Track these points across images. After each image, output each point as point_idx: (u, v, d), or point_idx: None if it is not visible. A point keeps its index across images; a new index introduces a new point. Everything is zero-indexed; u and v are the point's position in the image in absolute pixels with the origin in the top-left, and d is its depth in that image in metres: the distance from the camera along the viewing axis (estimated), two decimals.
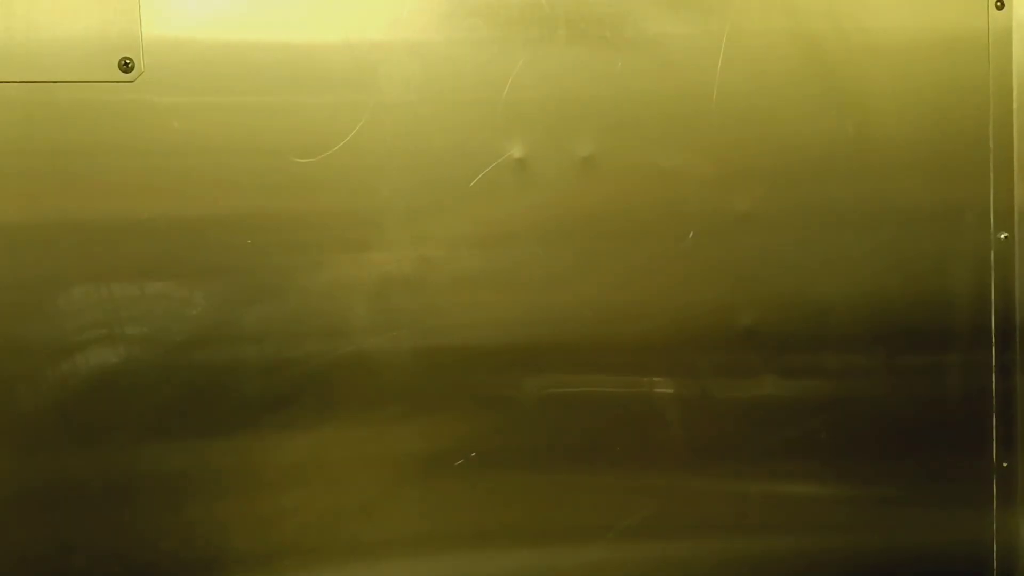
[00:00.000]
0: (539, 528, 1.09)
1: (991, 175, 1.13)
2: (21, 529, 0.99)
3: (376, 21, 1.00)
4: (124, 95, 0.95)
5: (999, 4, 1.12)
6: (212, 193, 0.98)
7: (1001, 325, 1.14)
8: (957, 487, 1.17)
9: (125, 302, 0.97)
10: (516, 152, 1.03)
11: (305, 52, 0.99)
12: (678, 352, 1.09)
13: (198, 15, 0.97)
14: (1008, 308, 1.15)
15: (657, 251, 1.07)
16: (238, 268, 0.99)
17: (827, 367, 1.13)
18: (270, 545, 1.04)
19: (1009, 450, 1.16)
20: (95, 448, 0.99)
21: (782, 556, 1.14)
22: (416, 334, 1.03)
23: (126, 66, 0.95)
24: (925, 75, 1.12)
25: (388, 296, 1.02)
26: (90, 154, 0.96)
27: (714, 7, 1.07)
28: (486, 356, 1.05)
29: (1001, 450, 1.16)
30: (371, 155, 1.00)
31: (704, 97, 1.07)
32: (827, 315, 1.12)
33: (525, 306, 1.05)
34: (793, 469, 1.13)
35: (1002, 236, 1.13)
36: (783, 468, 1.13)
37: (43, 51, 0.94)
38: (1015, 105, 1.13)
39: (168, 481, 1.01)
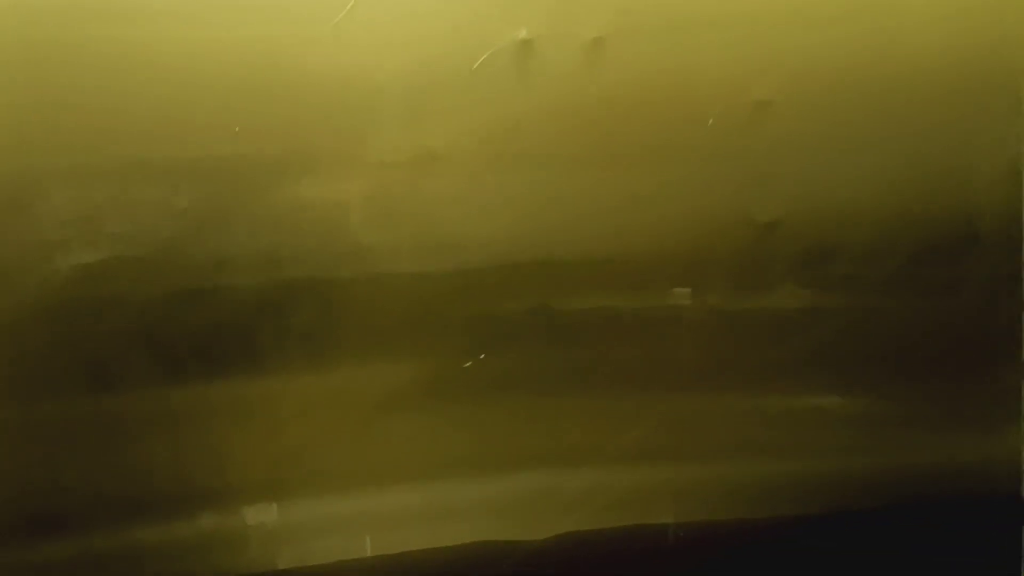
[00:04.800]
0: (547, 449, 1.04)
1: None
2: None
3: None
4: None
5: None
6: (197, 76, 0.92)
7: None
8: (984, 400, 1.11)
9: (105, 200, 0.91)
10: (522, 33, 0.96)
11: None
12: (692, 252, 1.03)
13: None
14: None
15: (672, 139, 1.01)
16: (225, 158, 0.93)
17: (849, 275, 1.07)
18: (269, 471, 1.00)
19: None
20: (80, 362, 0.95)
21: (799, 477, 1.09)
22: (416, 232, 0.98)
23: None
24: None
25: (386, 188, 0.96)
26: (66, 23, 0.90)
27: None
28: (489, 257, 0.99)
29: None
30: (365, 37, 0.94)
31: None
32: (849, 218, 1.05)
33: (532, 197, 0.99)
34: (811, 385, 1.08)
35: None
36: (801, 384, 1.08)
37: None
38: None
39: (158, 403, 0.96)
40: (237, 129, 0.92)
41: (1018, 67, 1.07)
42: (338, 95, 0.94)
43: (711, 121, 1.01)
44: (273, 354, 0.98)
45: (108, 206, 0.92)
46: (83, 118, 0.91)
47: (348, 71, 0.94)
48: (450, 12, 0.96)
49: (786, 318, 1.06)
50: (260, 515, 1.00)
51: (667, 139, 1.01)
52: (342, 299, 0.98)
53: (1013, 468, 1.11)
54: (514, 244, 1.00)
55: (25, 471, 0.96)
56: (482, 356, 1.00)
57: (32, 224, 0.91)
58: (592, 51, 0.98)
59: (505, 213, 0.99)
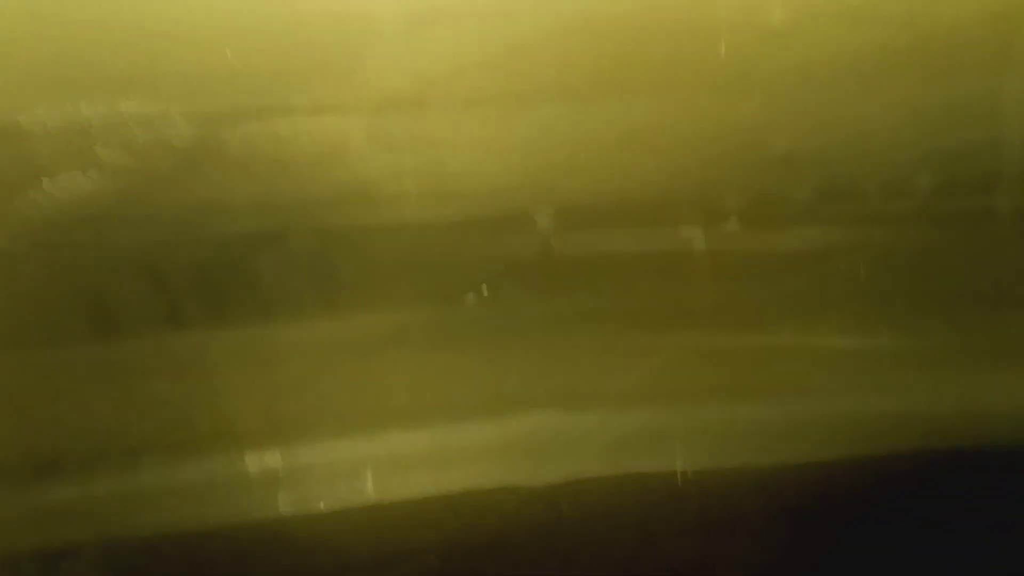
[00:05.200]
0: (552, 392, 1.01)
1: None
2: None
3: None
4: None
5: None
6: (187, 13, 0.89)
7: None
8: (1010, 341, 1.07)
9: (96, 123, 0.89)
10: None
11: None
12: (702, 188, 0.99)
13: None
14: None
15: (683, 70, 0.97)
16: (218, 80, 0.91)
17: (867, 210, 1.02)
18: (271, 416, 0.98)
19: None
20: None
21: (816, 420, 1.05)
22: (417, 171, 0.95)
23: None
24: None
25: (386, 119, 0.93)
26: None
27: None
28: (492, 195, 0.96)
29: None
30: None
31: None
32: (867, 152, 1.01)
33: (534, 130, 0.96)
34: (828, 325, 1.04)
35: None
36: (817, 324, 1.04)
37: None
38: None
39: (157, 346, 0.94)
40: (229, 54, 0.90)
41: None
42: (335, 27, 0.91)
43: (723, 50, 0.97)
44: (275, 297, 0.96)
45: (100, 134, 0.89)
46: (70, 53, 0.88)
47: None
48: None
49: (802, 255, 1.02)
50: (262, 460, 0.99)
51: (678, 69, 0.97)
52: (344, 241, 0.96)
53: None
54: (518, 180, 0.97)
55: (24, 414, 0.95)
56: (484, 289, 0.98)
57: (23, 152, 0.89)
58: None
59: (509, 148, 0.96)
